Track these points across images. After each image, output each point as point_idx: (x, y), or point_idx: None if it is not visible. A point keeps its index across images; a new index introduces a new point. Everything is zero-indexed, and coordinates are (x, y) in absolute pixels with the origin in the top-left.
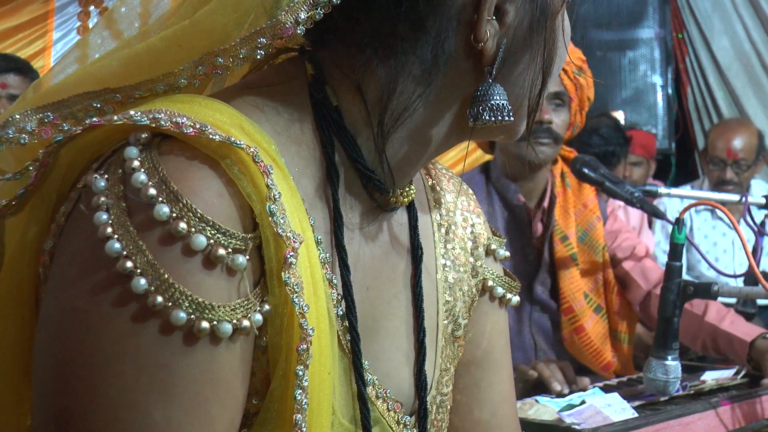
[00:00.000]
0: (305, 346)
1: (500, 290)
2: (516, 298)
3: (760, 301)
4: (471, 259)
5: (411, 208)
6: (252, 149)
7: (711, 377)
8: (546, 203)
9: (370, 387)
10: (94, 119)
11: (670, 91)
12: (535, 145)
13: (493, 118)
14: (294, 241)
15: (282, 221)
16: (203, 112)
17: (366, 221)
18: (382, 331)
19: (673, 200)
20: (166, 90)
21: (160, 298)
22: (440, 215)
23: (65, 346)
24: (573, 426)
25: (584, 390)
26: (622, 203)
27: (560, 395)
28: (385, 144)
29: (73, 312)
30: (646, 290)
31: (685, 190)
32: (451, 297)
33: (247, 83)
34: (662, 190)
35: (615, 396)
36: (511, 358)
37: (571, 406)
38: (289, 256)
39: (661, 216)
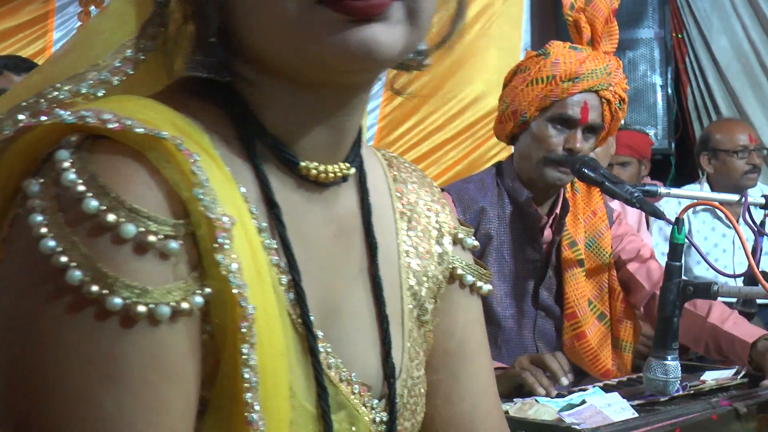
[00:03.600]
0: (247, 324)
1: (470, 278)
2: (487, 287)
3: (760, 300)
4: (437, 248)
5: (364, 193)
6: (177, 139)
7: (711, 377)
8: (558, 210)
9: (334, 370)
10: (25, 120)
11: (669, 91)
12: (558, 171)
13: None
14: (225, 224)
15: (212, 205)
16: (133, 109)
17: (304, 201)
18: (345, 314)
19: (670, 202)
20: (87, 94)
21: (95, 287)
22: (402, 205)
23: (13, 349)
24: (573, 426)
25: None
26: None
27: (561, 392)
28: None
29: (17, 314)
30: (650, 291)
31: (685, 190)
32: (415, 282)
33: (182, 81)
34: (662, 190)
35: (615, 396)
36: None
37: (571, 406)
38: (219, 237)
39: (660, 216)
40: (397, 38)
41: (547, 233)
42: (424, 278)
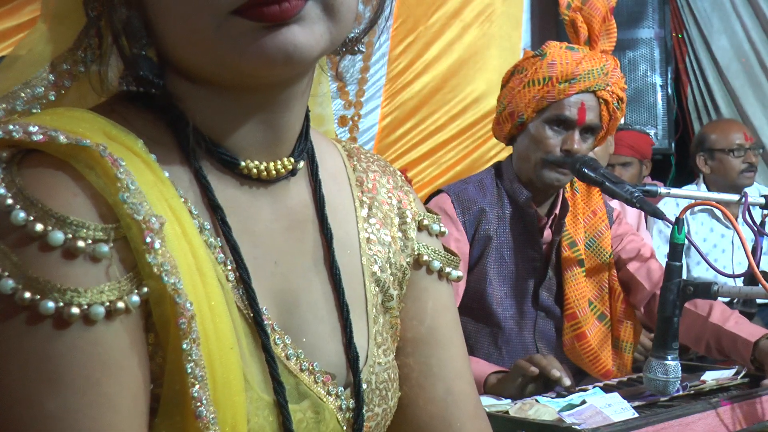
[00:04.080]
0: (185, 320)
1: (437, 264)
2: (457, 273)
3: (760, 300)
4: (399, 234)
5: (317, 183)
6: (100, 146)
7: (711, 377)
8: (558, 210)
9: (293, 360)
10: None
11: (669, 91)
12: (556, 173)
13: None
14: (152, 224)
15: (139, 207)
16: (63, 120)
17: (250, 198)
18: (303, 304)
19: (668, 204)
20: (23, 111)
21: (27, 293)
22: (362, 193)
23: None
24: (573, 426)
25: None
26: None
27: (562, 392)
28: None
29: None
30: (651, 292)
31: (686, 190)
32: (378, 269)
33: (122, 92)
34: (662, 190)
35: (615, 396)
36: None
37: (571, 406)
38: (147, 237)
39: (661, 216)
40: (318, 37)
41: (547, 233)
42: (387, 265)
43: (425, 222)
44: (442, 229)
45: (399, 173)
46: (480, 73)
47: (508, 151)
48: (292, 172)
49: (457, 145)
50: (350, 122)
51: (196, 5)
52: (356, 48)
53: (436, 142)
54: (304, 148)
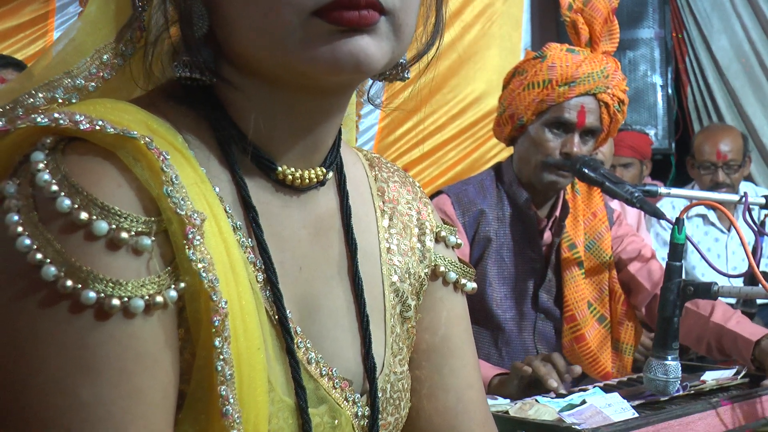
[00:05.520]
0: (219, 318)
1: (453, 275)
2: (472, 284)
3: (760, 300)
4: (418, 245)
5: (344, 194)
6: (147, 138)
7: (711, 377)
8: (558, 212)
9: (314, 365)
10: (1, 126)
11: (670, 91)
12: (556, 175)
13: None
14: (194, 220)
15: (182, 202)
16: (106, 111)
17: (281, 203)
18: (324, 310)
19: (665, 206)
20: (63, 100)
21: (69, 282)
22: (384, 203)
23: None
24: (573, 426)
25: (576, 376)
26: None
27: (558, 395)
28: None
29: None
30: (652, 292)
31: (686, 190)
32: (398, 278)
33: (161, 88)
34: (662, 190)
35: (615, 396)
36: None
37: (571, 406)
38: (189, 233)
39: (661, 216)
40: (384, 52)
41: (547, 235)
42: (407, 275)
43: (442, 233)
44: (458, 241)
45: (418, 184)
46: (480, 73)
47: (509, 151)
48: (322, 182)
49: (457, 145)
50: None
51: (280, 2)
52: (401, 75)
53: (437, 142)
54: (334, 160)
